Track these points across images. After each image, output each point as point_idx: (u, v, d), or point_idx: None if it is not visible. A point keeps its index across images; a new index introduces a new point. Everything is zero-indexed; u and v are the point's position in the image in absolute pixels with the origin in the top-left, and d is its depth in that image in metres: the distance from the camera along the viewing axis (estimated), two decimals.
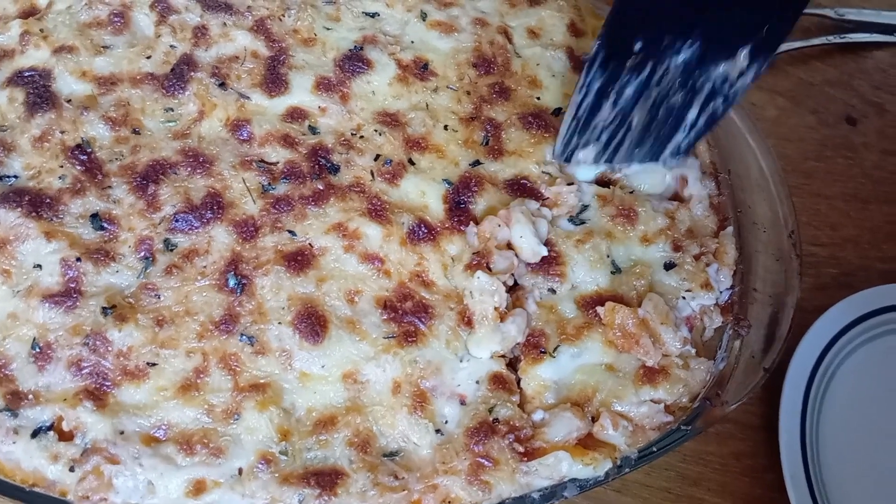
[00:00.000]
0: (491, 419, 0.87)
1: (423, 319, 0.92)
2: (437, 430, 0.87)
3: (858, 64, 1.46)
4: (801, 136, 1.37)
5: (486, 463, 0.84)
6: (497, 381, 0.90)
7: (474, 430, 0.86)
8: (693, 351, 0.95)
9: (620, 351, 0.93)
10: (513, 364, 0.94)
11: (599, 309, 0.94)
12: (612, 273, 0.97)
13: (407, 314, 0.92)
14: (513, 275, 0.96)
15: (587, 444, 0.88)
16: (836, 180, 1.34)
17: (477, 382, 0.90)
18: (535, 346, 0.92)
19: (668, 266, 0.98)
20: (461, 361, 0.91)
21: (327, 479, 0.83)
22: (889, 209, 1.32)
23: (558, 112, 1.08)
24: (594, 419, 0.89)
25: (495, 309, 0.92)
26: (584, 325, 0.94)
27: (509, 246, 0.96)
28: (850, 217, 1.31)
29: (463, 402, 0.89)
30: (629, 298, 0.96)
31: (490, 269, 0.94)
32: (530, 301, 0.95)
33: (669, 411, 0.92)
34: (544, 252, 0.96)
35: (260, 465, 0.83)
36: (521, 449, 0.86)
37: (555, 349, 0.92)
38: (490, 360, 0.91)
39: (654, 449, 0.89)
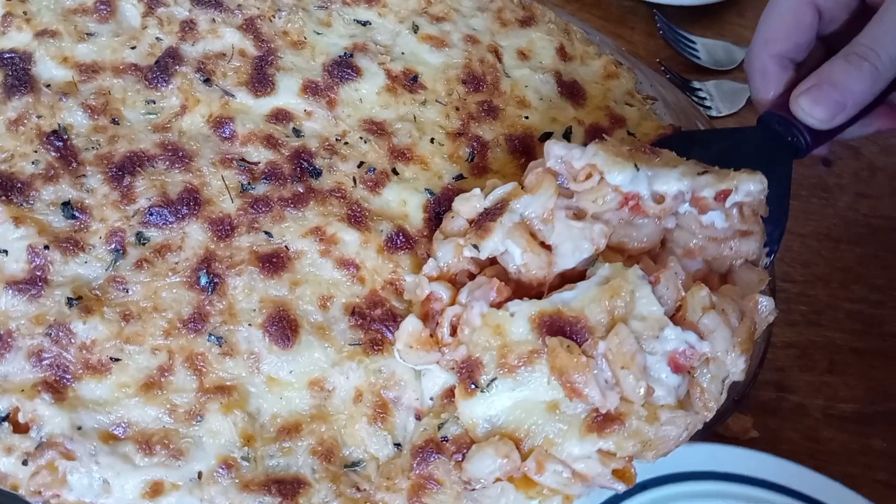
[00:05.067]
0: (440, 437, 0.84)
1: (390, 328, 0.91)
2: (397, 444, 0.85)
3: None
4: None
5: (429, 484, 0.82)
6: (450, 394, 0.86)
7: (419, 449, 0.83)
8: (672, 400, 0.79)
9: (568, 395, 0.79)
10: None
11: (550, 340, 0.80)
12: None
13: (375, 321, 0.91)
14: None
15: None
16: (810, 219, 1.36)
17: (431, 399, 0.88)
18: (469, 376, 0.82)
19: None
20: (422, 374, 0.89)
21: (289, 487, 0.81)
22: (860, 250, 1.34)
23: (546, 137, 1.08)
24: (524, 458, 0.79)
25: (427, 307, 0.88)
26: (532, 352, 0.80)
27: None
28: (822, 256, 1.32)
29: (418, 418, 0.87)
30: (595, 325, 0.80)
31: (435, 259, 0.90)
32: (475, 311, 0.84)
33: (620, 476, 0.79)
34: (476, 212, 0.90)
35: (220, 470, 0.81)
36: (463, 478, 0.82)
37: (489, 383, 0.81)
38: (446, 373, 0.87)
39: None
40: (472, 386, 0.82)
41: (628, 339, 0.78)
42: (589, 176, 0.88)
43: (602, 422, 0.78)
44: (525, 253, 0.86)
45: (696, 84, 1.49)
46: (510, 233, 0.87)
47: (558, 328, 0.81)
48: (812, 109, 0.90)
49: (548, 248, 0.88)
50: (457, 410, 0.84)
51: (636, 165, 0.87)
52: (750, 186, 0.87)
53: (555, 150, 0.90)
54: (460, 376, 0.83)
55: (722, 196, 0.87)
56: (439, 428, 0.85)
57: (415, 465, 0.83)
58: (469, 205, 0.91)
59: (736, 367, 0.81)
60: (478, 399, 0.82)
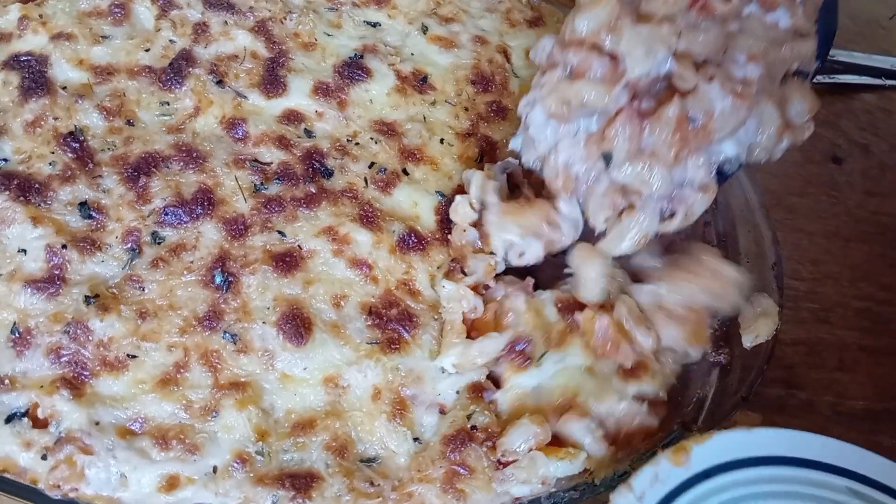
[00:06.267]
0: (469, 426, 0.87)
1: (407, 328, 0.92)
2: (416, 439, 0.87)
3: (846, 105, 1.49)
4: (787, 171, 1.40)
5: (461, 471, 0.84)
6: (477, 389, 0.90)
7: (451, 438, 0.86)
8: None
9: (599, 357, 0.92)
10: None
11: (578, 316, 0.93)
12: None
13: (392, 321, 0.92)
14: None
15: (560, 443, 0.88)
16: (819, 217, 1.36)
17: (457, 392, 0.90)
18: (521, 353, 0.91)
19: None
20: (443, 371, 0.91)
21: (302, 481, 0.82)
22: (869, 248, 1.34)
23: None
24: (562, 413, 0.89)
25: (464, 317, 0.92)
26: (566, 329, 0.93)
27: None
28: (831, 254, 1.33)
29: (443, 412, 0.89)
30: (605, 303, 0.94)
31: (465, 274, 0.95)
32: (519, 299, 0.94)
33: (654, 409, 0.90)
34: (472, 217, 0.96)
35: (235, 464, 0.82)
36: (496, 457, 0.86)
37: (541, 357, 0.91)
38: (472, 371, 0.91)
39: (629, 469, 0.89)
40: (525, 361, 0.91)
41: (633, 304, 0.93)
42: None
43: (631, 371, 0.91)
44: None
45: None
46: (503, 217, 0.96)
47: (576, 306, 0.94)
48: None
49: (614, 59, 0.87)
50: (481, 403, 0.89)
51: None
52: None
53: None
54: (511, 355, 0.92)
55: None
56: (468, 418, 0.88)
57: (448, 454, 0.86)
58: (462, 213, 0.96)
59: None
60: (530, 372, 0.91)
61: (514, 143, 0.99)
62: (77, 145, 0.96)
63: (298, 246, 0.94)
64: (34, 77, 1.00)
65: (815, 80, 1.45)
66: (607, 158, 0.89)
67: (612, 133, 0.88)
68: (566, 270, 0.96)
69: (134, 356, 0.86)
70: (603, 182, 0.91)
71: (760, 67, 0.87)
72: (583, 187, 0.93)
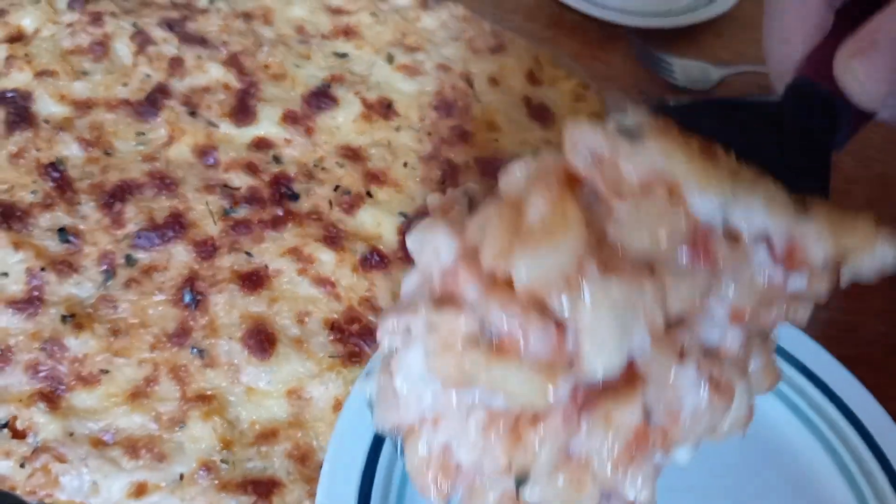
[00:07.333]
0: None
1: (368, 342, 0.97)
2: None
3: None
4: None
5: None
6: None
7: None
8: None
9: None
10: None
11: None
12: None
13: (353, 336, 0.97)
14: None
15: None
16: None
17: None
18: None
19: None
20: None
21: (264, 487, 0.86)
22: None
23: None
24: None
25: None
26: None
27: None
28: None
29: None
30: None
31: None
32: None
33: None
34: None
35: (201, 472, 0.87)
36: None
37: None
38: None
39: None
40: None
41: None
42: (647, 190, 0.51)
43: None
44: None
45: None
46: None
47: None
48: (869, 78, 0.58)
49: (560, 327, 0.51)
50: None
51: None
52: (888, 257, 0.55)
53: (585, 139, 0.51)
54: None
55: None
56: None
57: None
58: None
59: None
60: None
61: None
62: (57, 175, 1.02)
63: (265, 266, 0.99)
64: (18, 112, 1.06)
65: None
66: (521, 479, 0.54)
67: (534, 438, 0.53)
68: None
69: (107, 371, 0.91)
70: (495, 489, 0.57)
71: (742, 333, 0.56)
72: (463, 485, 0.58)
